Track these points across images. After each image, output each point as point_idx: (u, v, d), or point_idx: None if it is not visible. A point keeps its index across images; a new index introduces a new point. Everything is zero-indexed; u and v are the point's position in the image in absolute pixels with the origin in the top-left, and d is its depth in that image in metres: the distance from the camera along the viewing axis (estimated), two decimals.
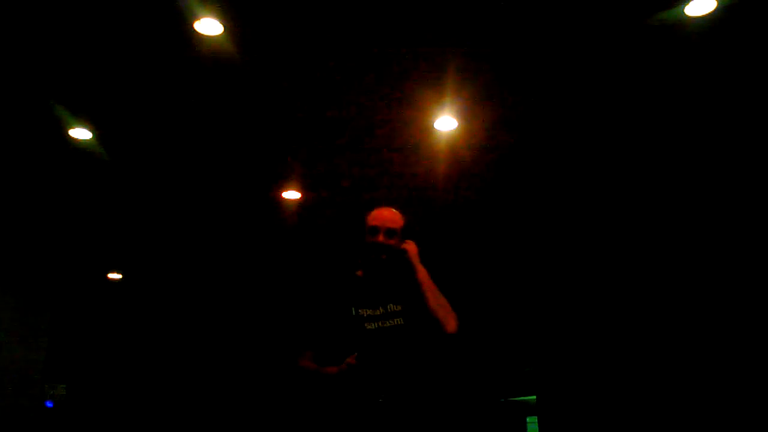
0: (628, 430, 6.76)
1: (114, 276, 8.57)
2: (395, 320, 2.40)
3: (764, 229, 5.73)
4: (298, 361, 2.47)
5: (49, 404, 8.23)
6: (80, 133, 4.82)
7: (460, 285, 8.24)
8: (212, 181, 5.76)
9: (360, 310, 2.43)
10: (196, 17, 3.55)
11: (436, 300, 2.35)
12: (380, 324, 2.39)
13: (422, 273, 2.40)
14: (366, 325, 2.40)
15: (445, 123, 4.75)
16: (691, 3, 3.48)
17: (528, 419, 9.13)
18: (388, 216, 2.50)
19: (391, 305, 2.43)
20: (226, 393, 9.67)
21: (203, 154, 5.28)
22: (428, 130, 4.84)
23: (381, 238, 2.44)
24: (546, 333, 8.31)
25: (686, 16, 3.58)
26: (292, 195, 6.04)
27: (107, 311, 9.47)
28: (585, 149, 5.24)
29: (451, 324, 2.33)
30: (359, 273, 2.58)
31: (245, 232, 7.04)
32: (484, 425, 8.86)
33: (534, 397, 8.64)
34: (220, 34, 3.71)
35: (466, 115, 4.67)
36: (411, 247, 2.45)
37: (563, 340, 8.04)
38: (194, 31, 3.66)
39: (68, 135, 4.82)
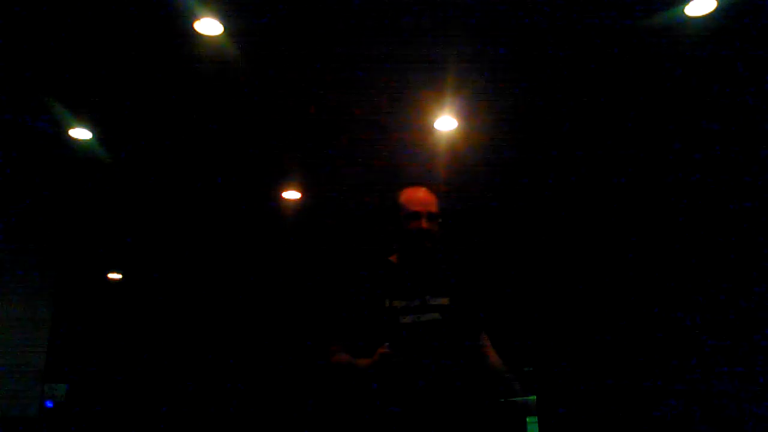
0: (628, 430, 6.76)
1: (114, 276, 8.57)
2: (432, 314, 2.21)
3: (764, 229, 5.72)
4: (331, 355, 2.27)
5: (49, 404, 8.23)
6: (80, 133, 4.82)
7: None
8: (212, 181, 5.76)
9: (394, 302, 2.22)
10: (196, 17, 3.55)
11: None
12: (416, 318, 2.20)
13: (495, 359, 2.31)
14: (400, 318, 2.19)
15: (445, 123, 4.75)
16: (691, 3, 3.48)
17: (528, 419, 9.12)
18: (427, 199, 2.32)
19: (429, 297, 2.24)
20: (228, 393, 9.66)
21: (203, 154, 5.28)
22: (428, 130, 4.84)
23: (425, 224, 2.26)
24: (546, 333, 8.30)
25: (686, 16, 3.58)
26: (292, 195, 6.04)
27: (107, 311, 9.47)
28: (585, 149, 5.24)
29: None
30: (393, 259, 2.38)
31: (245, 232, 7.04)
32: (486, 425, 8.85)
33: (534, 397, 8.64)
34: (220, 34, 3.71)
35: (466, 115, 4.67)
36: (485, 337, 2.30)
37: (563, 340, 8.03)
38: (194, 31, 3.66)
39: (68, 135, 4.82)
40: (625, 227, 6.60)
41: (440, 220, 2.33)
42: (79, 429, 8.66)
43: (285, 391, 9.16)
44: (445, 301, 2.25)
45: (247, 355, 9.66)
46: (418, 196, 2.33)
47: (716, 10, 3.52)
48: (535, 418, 8.79)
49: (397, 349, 2.07)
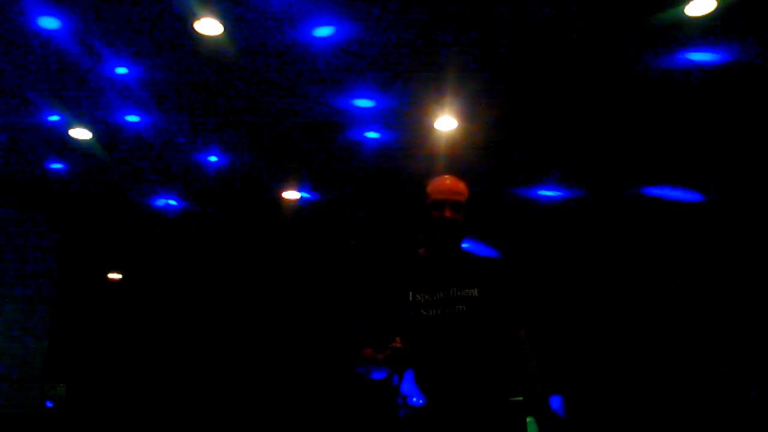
0: (628, 430, 6.76)
1: (114, 276, 8.57)
2: (458, 307, 2.12)
3: (764, 229, 5.72)
4: (361, 351, 2.19)
5: (49, 404, 8.22)
6: (80, 133, 4.83)
7: None
8: (212, 181, 5.77)
9: (418, 295, 2.14)
10: (196, 17, 3.56)
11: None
12: (440, 310, 2.11)
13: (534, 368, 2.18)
14: (423, 311, 2.12)
15: (445, 123, 4.75)
16: (691, 3, 3.48)
17: (528, 419, 9.13)
18: (453, 187, 2.25)
19: (455, 289, 2.15)
20: (228, 393, 9.66)
21: (203, 153, 5.28)
22: (428, 130, 4.84)
23: (448, 213, 2.18)
24: (546, 333, 8.30)
25: (686, 16, 3.58)
26: (292, 195, 6.04)
27: (107, 311, 9.47)
28: (585, 149, 5.24)
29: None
30: (422, 252, 2.30)
31: (245, 232, 7.04)
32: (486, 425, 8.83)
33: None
34: (220, 34, 3.71)
35: (466, 115, 4.67)
36: None
37: (563, 340, 8.03)
38: (194, 31, 3.66)
39: (70, 134, 4.83)
40: (625, 227, 6.60)
41: (465, 210, 2.25)
42: (79, 429, 8.66)
43: (285, 391, 9.16)
44: (474, 292, 2.16)
45: (247, 355, 9.66)
46: (444, 185, 2.26)
47: (716, 10, 3.53)
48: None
49: (410, 342, 1.98)
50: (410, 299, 2.15)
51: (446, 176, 2.31)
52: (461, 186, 2.28)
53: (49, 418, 8.09)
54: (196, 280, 8.58)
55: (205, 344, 9.74)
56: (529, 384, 2.17)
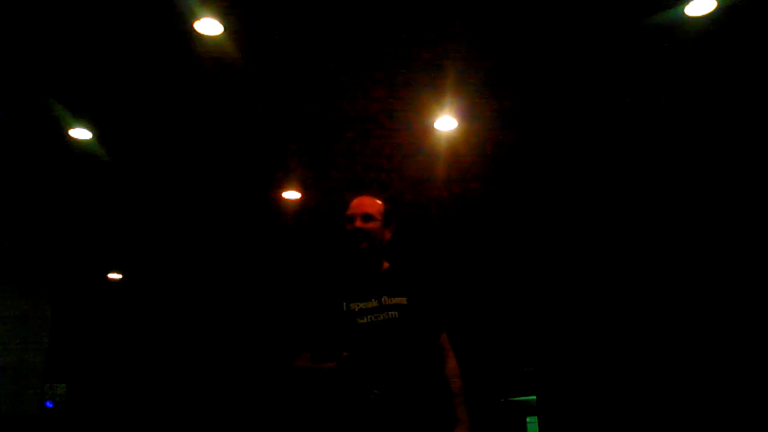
0: (628, 430, 6.76)
1: (114, 276, 8.57)
2: (390, 313, 2.28)
3: (764, 228, 5.73)
4: (294, 361, 2.35)
5: (49, 404, 8.23)
6: (80, 133, 4.83)
7: (460, 285, 8.21)
8: (213, 181, 5.76)
9: (351, 305, 2.30)
10: (196, 17, 3.56)
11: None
12: (373, 318, 2.27)
13: (451, 365, 2.33)
14: (358, 319, 2.27)
15: (445, 123, 4.75)
16: (691, 3, 3.48)
17: (528, 419, 9.13)
18: (363, 201, 2.41)
19: (386, 297, 2.31)
20: (226, 392, 9.66)
21: (203, 154, 5.28)
22: (428, 130, 4.84)
23: (358, 223, 2.34)
24: (546, 333, 8.30)
25: (686, 16, 3.58)
26: (292, 195, 6.04)
27: (107, 311, 9.47)
28: (585, 149, 5.24)
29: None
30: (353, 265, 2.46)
31: (245, 232, 7.04)
32: (484, 425, 8.85)
33: (534, 397, 8.64)
34: (220, 34, 3.71)
35: (466, 115, 4.67)
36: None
37: (563, 340, 8.04)
38: (194, 31, 3.67)
39: (68, 135, 4.83)
40: (625, 227, 6.60)
41: (381, 222, 2.40)
42: (79, 429, 8.66)
43: (284, 392, 9.17)
44: (403, 300, 2.32)
45: (246, 354, 9.66)
46: (355, 201, 2.43)
47: (716, 10, 3.53)
48: (535, 418, 8.80)
49: (356, 352, 2.14)
50: (345, 309, 2.30)
51: (363, 195, 2.47)
52: (370, 200, 2.44)
53: (49, 418, 8.09)
54: (194, 280, 8.58)
55: (204, 344, 9.74)
56: (448, 382, 2.32)
